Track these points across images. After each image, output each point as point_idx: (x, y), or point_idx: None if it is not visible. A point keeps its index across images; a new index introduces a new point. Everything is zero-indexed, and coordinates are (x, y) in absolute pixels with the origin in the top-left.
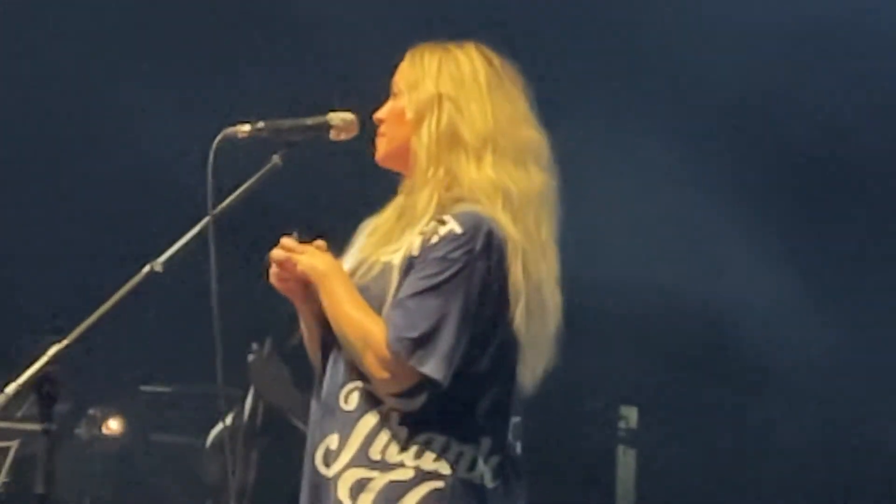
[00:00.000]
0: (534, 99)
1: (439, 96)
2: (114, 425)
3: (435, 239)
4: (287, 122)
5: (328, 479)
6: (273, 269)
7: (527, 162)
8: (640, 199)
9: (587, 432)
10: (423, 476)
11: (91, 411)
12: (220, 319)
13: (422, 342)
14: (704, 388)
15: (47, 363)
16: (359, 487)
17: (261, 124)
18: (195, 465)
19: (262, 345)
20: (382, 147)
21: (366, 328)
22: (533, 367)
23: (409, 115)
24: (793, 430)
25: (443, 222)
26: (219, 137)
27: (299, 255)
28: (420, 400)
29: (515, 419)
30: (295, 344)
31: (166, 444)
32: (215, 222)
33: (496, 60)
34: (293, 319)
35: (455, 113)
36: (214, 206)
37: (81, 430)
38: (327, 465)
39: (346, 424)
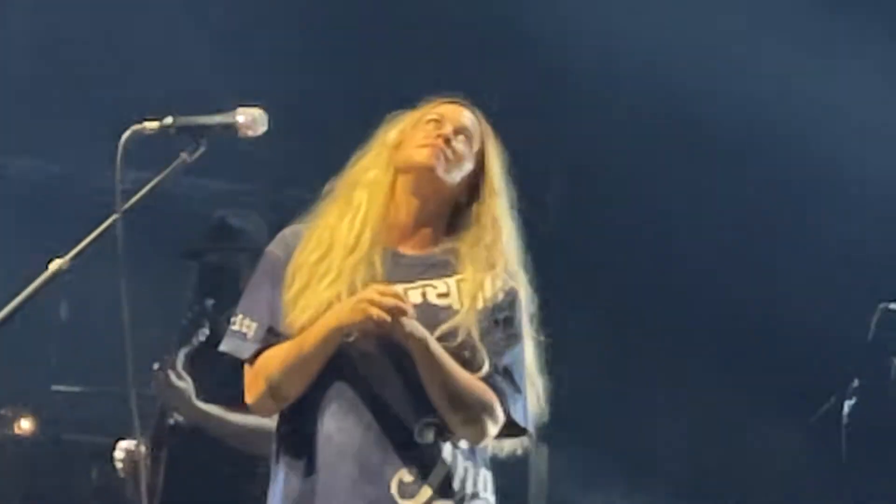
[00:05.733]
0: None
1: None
2: (25, 425)
3: (501, 297)
4: (195, 119)
5: None
6: (373, 309)
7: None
8: None
9: None
10: None
11: (2, 411)
12: (131, 318)
13: (523, 402)
14: None
15: None
16: None
17: (169, 120)
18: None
19: (165, 360)
20: (440, 169)
21: (481, 395)
22: None
23: (485, 193)
24: None
25: (503, 279)
26: (126, 133)
27: (407, 318)
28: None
29: None
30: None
31: (78, 443)
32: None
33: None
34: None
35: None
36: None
37: None
38: (407, 496)
39: (425, 457)
